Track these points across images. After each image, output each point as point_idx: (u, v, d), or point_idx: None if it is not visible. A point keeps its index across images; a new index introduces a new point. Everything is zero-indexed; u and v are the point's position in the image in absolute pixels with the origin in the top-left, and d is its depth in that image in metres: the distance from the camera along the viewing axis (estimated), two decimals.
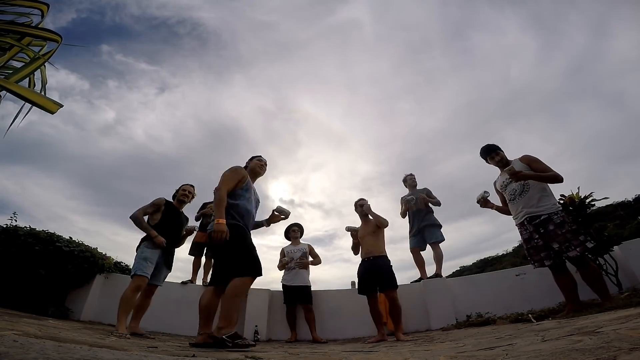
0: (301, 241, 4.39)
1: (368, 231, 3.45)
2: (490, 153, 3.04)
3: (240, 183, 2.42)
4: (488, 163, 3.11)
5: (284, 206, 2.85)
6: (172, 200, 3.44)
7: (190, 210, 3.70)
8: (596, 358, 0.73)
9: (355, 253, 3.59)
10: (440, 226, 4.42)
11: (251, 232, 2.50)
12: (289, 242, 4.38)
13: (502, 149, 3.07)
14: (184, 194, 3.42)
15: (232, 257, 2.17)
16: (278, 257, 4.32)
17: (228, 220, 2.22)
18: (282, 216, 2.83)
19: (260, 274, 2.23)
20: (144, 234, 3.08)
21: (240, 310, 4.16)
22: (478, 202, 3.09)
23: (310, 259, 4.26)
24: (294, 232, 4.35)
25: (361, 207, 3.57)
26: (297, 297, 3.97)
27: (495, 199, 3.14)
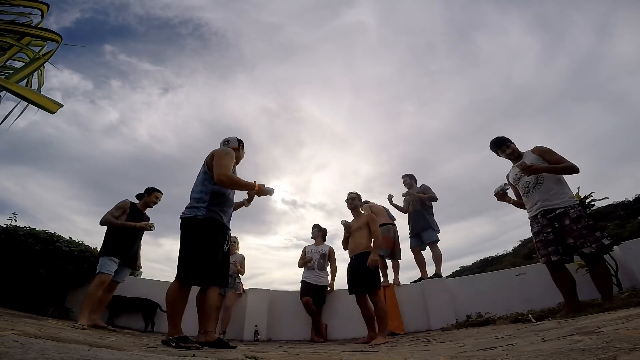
0: (325, 243, 4.44)
1: (356, 227, 3.38)
2: (501, 146, 2.92)
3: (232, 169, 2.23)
4: (499, 156, 2.98)
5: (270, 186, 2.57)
6: (136, 202, 3.62)
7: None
8: (596, 358, 0.73)
9: (345, 248, 3.54)
10: (433, 226, 4.40)
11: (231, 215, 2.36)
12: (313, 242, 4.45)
13: (512, 141, 2.94)
14: (154, 201, 3.65)
15: (183, 253, 2.03)
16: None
17: (211, 214, 2.10)
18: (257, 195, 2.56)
19: (195, 284, 2.03)
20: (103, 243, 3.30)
21: (237, 310, 4.16)
22: (496, 194, 2.94)
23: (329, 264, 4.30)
24: (313, 232, 4.46)
25: (352, 200, 3.51)
26: (315, 294, 4.00)
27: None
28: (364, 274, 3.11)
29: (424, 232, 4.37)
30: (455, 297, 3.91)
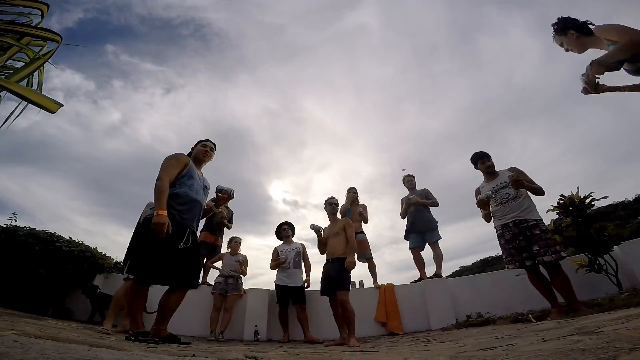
0: (295, 240, 4.32)
1: (333, 232, 3.45)
2: (483, 158, 3.24)
3: (183, 171, 2.35)
4: (477, 168, 3.29)
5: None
6: None
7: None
8: (596, 358, 0.73)
9: (322, 252, 3.58)
10: (436, 225, 4.47)
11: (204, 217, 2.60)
12: (281, 242, 4.28)
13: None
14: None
15: (136, 253, 2.16)
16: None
17: (172, 216, 2.15)
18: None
19: (143, 283, 2.11)
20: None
21: (237, 310, 4.16)
22: (481, 200, 3.13)
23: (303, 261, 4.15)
24: (284, 230, 4.26)
25: (330, 205, 3.61)
26: (291, 297, 3.91)
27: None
28: (334, 276, 3.22)
29: (429, 232, 4.40)
30: (455, 297, 3.91)
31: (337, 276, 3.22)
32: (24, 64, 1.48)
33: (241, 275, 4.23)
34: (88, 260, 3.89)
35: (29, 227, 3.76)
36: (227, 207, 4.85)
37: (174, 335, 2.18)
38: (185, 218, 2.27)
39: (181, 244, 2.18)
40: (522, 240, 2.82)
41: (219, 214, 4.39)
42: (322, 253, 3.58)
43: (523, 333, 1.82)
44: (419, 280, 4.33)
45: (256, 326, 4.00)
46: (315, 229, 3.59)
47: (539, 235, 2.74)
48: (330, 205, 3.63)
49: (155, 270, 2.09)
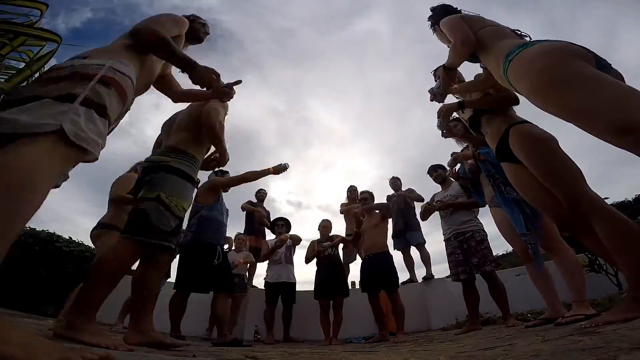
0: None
1: (371, 224, 3.35)
2: (430, 172, 3.42)
3: (217, 195, 2.79)
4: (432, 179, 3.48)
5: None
6: None
7: None
8: (596, 358, 0.73)
9: (354, 245, 3.55)
10: (417, 227, 4.38)
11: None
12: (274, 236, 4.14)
13: (441, 167, 3.43)
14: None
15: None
16: None
17: (205, 238, 2.60)
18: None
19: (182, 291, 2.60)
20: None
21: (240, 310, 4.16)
22: (422, 212, 3.22)
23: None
24: (278, 226, 4.06)
25: (364, 200, 3.61)
26: (281, 294, 3.68)
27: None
28: (385, 273, 3.15)
29: (410, 232, 4.32)
30: (455, 297, 3.91)
31: (385, 273, 3.16)
32: (24, 63, 1.48)
33: (246, 274, 4.19)
34: (88, 260, 3.89)
35: (29, 227, 3.75)
36: (264, 207, 4.98)
37: (237, 340, 2.52)
38: (214, 239, 2.65)
39: (215, 260, 2.55)
40: (459, 255, 2.89)
41: (257, 215, 4.44)
42: (354, 245, 3.62)
43: (523, 333, 1.82)
44: (408, 282, 4.32)
45: (256, 326, 4.00)
46: (356, 217, 3.46)
47: (474, 247, 2.83)
48: (362, 201, 3.72)
49: (195, 282, 2.55)
